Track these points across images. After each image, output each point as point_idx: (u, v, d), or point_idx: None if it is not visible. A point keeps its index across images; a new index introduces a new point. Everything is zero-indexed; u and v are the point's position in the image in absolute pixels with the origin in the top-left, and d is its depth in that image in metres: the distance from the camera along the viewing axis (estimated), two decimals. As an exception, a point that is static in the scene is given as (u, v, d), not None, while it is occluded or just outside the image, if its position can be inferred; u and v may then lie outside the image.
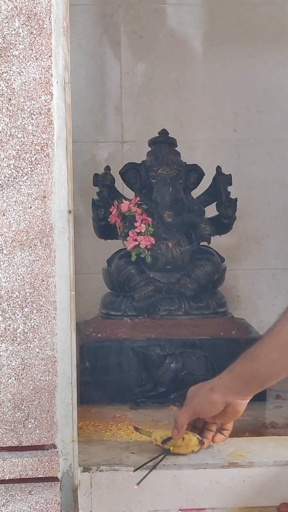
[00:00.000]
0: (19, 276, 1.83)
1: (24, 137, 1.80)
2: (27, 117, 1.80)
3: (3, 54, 1.78)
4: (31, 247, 1.82)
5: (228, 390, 1.82)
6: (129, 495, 1.90)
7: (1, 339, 1.82)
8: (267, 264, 3.08)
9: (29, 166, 1.81)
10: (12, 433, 1.84)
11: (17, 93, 1.79)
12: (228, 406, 1.86)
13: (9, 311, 1.83)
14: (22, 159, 1.81)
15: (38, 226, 1.82)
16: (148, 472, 1.87)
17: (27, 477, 1.83)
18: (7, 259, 1.82)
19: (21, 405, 1.84)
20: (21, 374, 1.84)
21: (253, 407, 2.43)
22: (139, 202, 2.61)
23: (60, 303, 1.84)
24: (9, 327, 1.83)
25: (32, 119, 1.80)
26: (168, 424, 2.29)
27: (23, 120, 1.80)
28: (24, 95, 1.79)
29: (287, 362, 1.74)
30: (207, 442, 1.94)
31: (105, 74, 3.03)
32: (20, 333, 1.83)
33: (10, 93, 1.79)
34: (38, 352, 1.84)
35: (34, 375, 1.84)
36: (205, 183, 2.71)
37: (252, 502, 1.92)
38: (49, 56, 1.79)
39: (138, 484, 1.85)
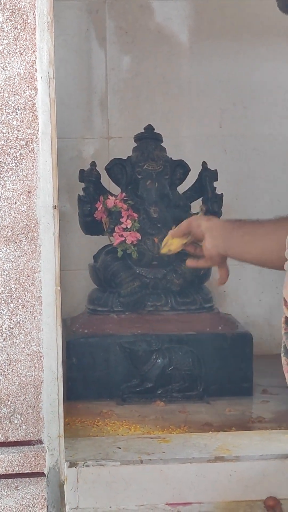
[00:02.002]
0: (4, 271, 1.82)
1: (8, 132, 1.80)
2: (12, 112, 1.80)
3: (-13, 49, 1.78)
4: (16, 242, 1.82)
5: (210, 230, 1.89)
6: (116, 490, 1.90)
7: (-13, 334, 1.83)
8: (254, 259, 3.08)
9: (14, 162, 1.81)
10: (-2, 429, 1.84)
11: (1, 88, 1.79)
12: (202, 241, 1.90)
13: (-6, 306, 1.82)
14: (7, 155, 1.81)
15: (23, 221, 1.82)
16: None
17: (14, 472, 1.83)
18: (-8, 255, 1.82)
19: (7, 401, 1.84)
20: (7, 370, 1.84)
21: (240, 402, 2.45)
22: (125, 198, 2.61)
23: (45, 298, 1.84)
24: (-6, 323, 1.83)
25: (17, 114, 1.80)
26: (155, 420, 2.30)
27: (8, 115, 1.80)
28: (8, 90, 1.79)
29: (249, 252, 1.84)
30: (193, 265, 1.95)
31: (91, 69, 3.03)
32: (5, 329, 1.83)
33: (-6, 88, 1.79)
34: (24, 347, 1.84)
35: (20, 370, 1.84)
36: (191, 179, 2.71)
37: (239, 496, 1.92)
38: (34, 51, 1.79)
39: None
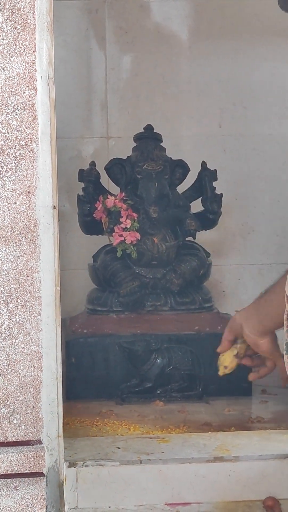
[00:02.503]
0: (3, 271, 1.82)
1: (8, 132, 1.80)
2: (11, 112, 1.80)
3: (-14, 49, 1.78)
4: (15, 242, 1.82)
5: (246, 317, 1.89)
6: (115, 490, 1.90)
7: (-14, 334, 1.83)
8: (253, 259, 3.08)
9: (13, 162, 1.81)
10: (-2, 429, 1.84)
11: (1, 88, 1.79)
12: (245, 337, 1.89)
13: (-6, 306, 1.82)
14: (6, 155, 1.81)
15: (22, 221, 1.82)
16: None
17: (13, 472, 1.83)
18: (-9, 255, 1.82)
19: (6, 401, 1.84)
20: (6, 370, 1.84)
21: (239, 402, 2.45)
22: (124, 198, 2.61)
23: (45, 298, 1.84)
24: (-6, 323, 1.83)
25: (16, 114, 1.80)
26: (154, 420, 2.30)
27: (7, 115, 1.80)
28: (8, 90, 1.79)
29: (278, 314, 1.78)
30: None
31: (91, 69, 3.03)
32: (5, 329, 1.83)
33: (-6, 88, 1.79)
34: (23, 347, 1.84)
35: (19, 370, 1.84)
36: (190, 179, 2.71)
37: (238, 496, 1.92)
38: (33, 51, 1.79)
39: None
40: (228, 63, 3.05)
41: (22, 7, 1.78)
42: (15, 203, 1.82)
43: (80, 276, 2.86)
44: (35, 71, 1.79)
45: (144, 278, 2.60)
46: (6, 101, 1.79)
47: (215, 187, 2.70)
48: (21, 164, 1.81)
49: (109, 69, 3.02)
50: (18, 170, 1.81)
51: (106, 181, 2.71)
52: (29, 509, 1.85)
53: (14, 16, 1.78)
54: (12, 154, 1.81)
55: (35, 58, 1.79)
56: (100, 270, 2.63)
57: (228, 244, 3.06)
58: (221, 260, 3.03)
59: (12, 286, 1.82)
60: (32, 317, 1.84)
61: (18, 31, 1.78)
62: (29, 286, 1.83)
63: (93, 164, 2.69)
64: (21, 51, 1.79)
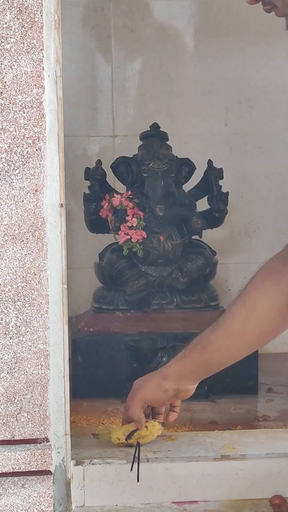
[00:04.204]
0: (11, 269, 1.82)
1: (15, 131, 1.80)
2: (19, 111, 1.80)
3: (-6, 48, 1.78)
4: (23, 241, 1.82)
5: (181, 377, 1.83)
6: (122, 488, 1.90)
7: (-6, 333, 1.83)
8: (259, 257, 3.08)
9: (21, 160, 1.81)
10: (5, 427, 1.84)
11: (9, 87, 1.79)
12: (180, 392, 1.86)
13: (1, 305, 1.83)
14: (14, 153, 1.81)
15: (30, 219, 1.82)
16: (135, 467, 1.87)
17: (20, 470, 1.84)
18: (-1, 253, 1.82)
19: (13, 399, 1.84)
20: (14, 368, 1.84)
21: (245, 401, 2.45)
22: (130, 196, 2.61)
23: (52, 296, 1.84)
24: (1, 321, 1.83)
25: (24, 113, 1.80)
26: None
27: (15, 113, 1.80)
28: (15, 88, 1.79)
29: (240, 348, 1.75)
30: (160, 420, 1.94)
31: (96, 68, 3.03)
32: (12, 327, 1.83)
33: (1, 87, 1.79)
34: (31, 346, 1.84)
35: (27, 369, 1.84)
36: (196, 177, 2.71)
37: (245, 495, 1.92)
38: (41, 49, 1.79)
39: (138, 481, 1.85)
40: (233, 62, 3.05)
41: (30, 5, 1.78)
42: (22, 201, 1.82)
43: (86, 274, 2.86)
44: (43, 69, 1.79)
45: (150, 276, 2.60)
46: (14, 100, 1.79)
47: (221, 186, 2.70)
48: (29, 162, 1.81)
49: (115, 68, 3.02)
50: (26, 169, 1.81)
51: (112, 179, 2.71)
52: (36, 507, 1.85)
53: (22, 14, 1.78)
54: (19, 152, 1.81)
55: (43, 56, 1.79)
56: (106, 268, 2.63)
57: (233, 243, 3.06)
58: (227, 259, 3.03)
59: (19, 284, 1.83)
60: (40, 315, 1.84)
61: (26, 29, 1.78)
62: (36, 284, 1.83)
63: (99, 162, 2.69)
64: (29, 49, 1.79)
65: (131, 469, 1.87)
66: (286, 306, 1.65)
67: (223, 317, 1.76)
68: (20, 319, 1.83)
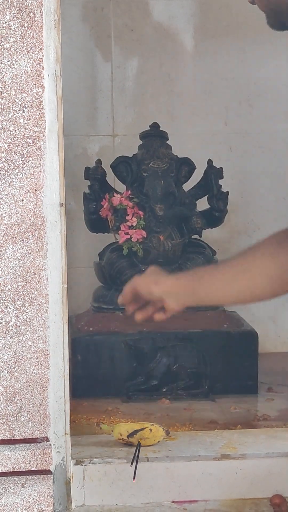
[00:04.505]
0: (11, 269, 1.82)
1: (15, 130, 1.80)
2: (19, 110, 1.80)
3: (-6, 47, 1.78)
4: (23, 240, 1.82)
5: (169, 291, 1.83)
6: (122, 488, 1.90)
7: (-7, 332, 1.83)
8: (259, 257, 3.07)
9: (20, 159, 1.81)
10: (5, 427, 1.84)
11: (9, 86, 1.79)
12: (163, 303, 1.83)
13: (1, 304, 1.82)
14: (14, 152, 1.81)
15: (30, 219, 1.82)
16: (134, 465, 1.87)
17: (20, 470, 1.84)
18: (-1, 252, 1.82)
19: (13, 398, 1.84)
20: (14, 368, 1.84)
21: (245, 400, 2.45)
22: (130, 196, 2.61)
23: (52, 296, 1.84)
24: (1, 321, 1.83)
25: (24, 112, 1.80)
26: (160, 417, 2.30)
27: (15, 113, 1.80)
28: (15, 88, 1.79)
29: (225, 296, 1.81)
30: (145, 316, 1.84)
31: (96, 67, 3.03)
32: (12, 326, 1.83)
33: (1, 86, 1.79)
34: (31, 345, 1.84)
35: (27, 368, 1.84)
36: (196, 176, 2.71)
37: (245, 494, 1.92)
38: (40, 49, 1.79)
39: (134, 478, 1.86)
40: (233, 61, 3.05)
41: (29, 5, 1.78)
42: (22, 200, 1.82)
43: (86, 274, 2.86)
44: (43, 68, 1.79)
45: (150, 276, 2.60)
46: (14, 99, 1.79)
47: (221, 185, 2.70)
48: (29, 161, 1.81)
49: (115, 67, 3.02)
50: (26, 168, 1.81)
51: (112, 179, 2.71)
52: (36, 506, 1.85)
53: (21, 14, 1.78)
54: (19, 151, 1.81)
55: (43, 56, 1.79)
56: (106, 268, 2.63)
57: (233, 242, 3.05)
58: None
59: (19, 283, 1.83)
60: (39, 315, 1.84)
61: (26, 29, 1.78)
62: (36, 283, 1.83)
63: (99, 162, 2.69)
64: (29, 48, 1.79)
65: (131, 465, 1.87)
66: (278, 277, 1.71)
67: (221, 266, 1.86)
68: (20, 318, 1.83)
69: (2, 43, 1.78)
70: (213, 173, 2.69)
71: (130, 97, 3.03)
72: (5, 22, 1.77)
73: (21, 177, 1.81)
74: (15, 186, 1.81)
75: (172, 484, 1.92)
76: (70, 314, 2.45)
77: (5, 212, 1.81)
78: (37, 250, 1.83)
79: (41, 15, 1.78)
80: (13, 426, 1.85)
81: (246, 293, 1.76)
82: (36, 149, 1.81)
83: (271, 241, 1.77)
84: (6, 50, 1.78)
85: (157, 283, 1.88)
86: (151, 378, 2.49)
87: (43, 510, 1.85)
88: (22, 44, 1.78)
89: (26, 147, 1.81)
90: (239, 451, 1.96)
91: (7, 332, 1.83)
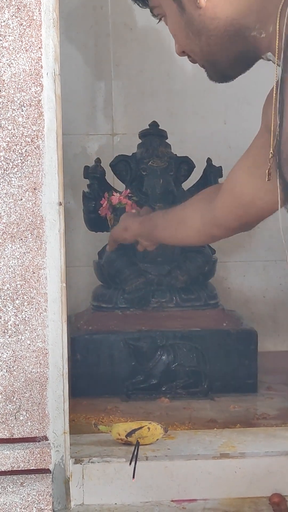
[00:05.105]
0: (10, 268, 1.82)
1: (14, 129, 1.80)
2: (17, 109, 1.80)
3: (-8, 46, 1.77)
4: (22, 239, 1.82)
5: (137, 235, 2.44)
6: (121, 487, 1.90)
7: (-8, 331, 1.83)
8: (258, 256, 3.08)
9: (19, 158, 1.81)
10: (4, 425, 1.84)
11: (7, 85, 1.79)
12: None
13: (0, 303, 1.82)
14: (12, 151, 1.81)
15: (28, 218, 1.82)
16: (133, 464, 1.87)
17: (19, 469, 1.84)
18: (-3, 251, 1.82)
19: (12, 397, 1.84)
20: (12, 366, 1.84)
21: (245, 399, 2.45)
22: (129, 195, 2.61)
23: (51, 295, 1.84)
24: (0, 319, 1.83)
25: (22, 111, 1.80)
26: (159, 416, 2.30)
27: (13, 111, 1.80)
28: (14, 86, 1.79)
29: (172, 239, 2.29)
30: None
31: (95, 66, 3.02)
32: (11, 325, 1.83)
33: (0, 85, 1.79)
34: (29, 344, 1.84)
35: (26, 367, 1.84)
36: (195, 175, 2.71)
37: (244, 493, 1.92)
38: (39, 47, 1.79)
39: (134, 478, 1.86)
40: (233, 60, 3.04)
41: (28, 3, 1.78)
42: (21, 199, 1.82)
43: (85, 273, 2.86)
44: (41, 67, 1.79)
45: (149, 274, 2.60)
46: (12, 98, 1.79)
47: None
48: (27, 160, 1.81)
49: (114, 66, 3.02)
50: (24, 167, 1.81)
51: (111, 178, 2.71)
52: (35, 506, 1.85)
53: (20, 12, 1.78)
54: (18, 150, 1.81)
55: (41, 54, 1.79)
56: (105, 267, 2.63)
57: (233, 241, 3.05)
58: (226, 257, 3.03)
59: (18, 282, 1.83)
60: (38, 314, 1.84)
61: (24, 27, 1.78)
62: (35, 282, 1.83)
63: (98, 161, 2.69)
64: (27, 47, 1.79)
65: (130, 464, 1.87)
66: (203, 231, 2.13)
67: (170, 215, 2.28)
68: (18, 317, 1.83)
69: (1, 41, 1.78)
70: (212, 172, 2.69)
71: (129, 96, 3.03)
72: (4, 21, 1.77)
73: (19, 176, 1.81)
74: (14, 185, 1.81)
75: (171, 483, 1.92)
76: (70, 313, 2.46)
77: (4, 211, 1.81)
78: (36, 249, 1.83)
79: (39, 13, 1.78)
80: (12, 425, 1.85)
81: (184, 239, 2.22)
82: (35, 148, 1.81)
83: (201, 198, 2.16)
84: (5, 49, 1.78)
85: (126, 229, 2.47)
86: (151, 377, 2.49)
87: (42, 509, 1.85)
88: (20, 42, 1.78)
89: (24, 146, 1.81)
90: (238, 450, 1.96)
91: (5, 331, 1.83)
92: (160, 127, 2.70)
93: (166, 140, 2.69)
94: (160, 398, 2.45)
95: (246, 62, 1.77)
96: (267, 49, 1.70)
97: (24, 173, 1.81)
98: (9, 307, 1.83)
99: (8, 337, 1.83)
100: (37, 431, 1.86)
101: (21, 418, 1.85)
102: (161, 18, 1.84)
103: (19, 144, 1.80)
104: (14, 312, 1.83)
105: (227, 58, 1.73)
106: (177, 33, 1.77)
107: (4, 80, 1.78)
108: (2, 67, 1.78)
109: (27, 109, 1.80)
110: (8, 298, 1.82)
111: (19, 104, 1.79)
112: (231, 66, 1.76)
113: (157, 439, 1.98)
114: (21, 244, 1.82)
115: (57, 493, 1.88)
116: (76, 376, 2.46)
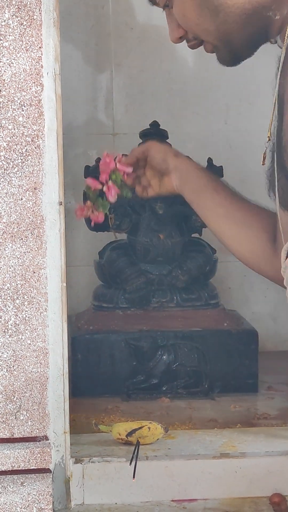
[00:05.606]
0: (10, 268, 1.82)
1: (14, 129, 1.80)
2: (18, 109, 1.80)
3: (-7, 45, 1.77)
4: (22, 239, 1.82)
5: (179, 170, 2.00)
6: (122, 486, 1.90)
7: (-7, 331, 1.83)
8: (259, 255, 3.07)
9: (19, 158, 1.81)
10: (4, 425, 1.84)
11: (8, 84, 1.79)
12: (166, 178, 2.00)
13: (0, 303, 1.82)
14: (13, 151, 1.81)
15: (29, 217, 1.82)
16: (133, 464, 1.87)
17: (19, 468, 1.84)
18: (-2, 251, 1.82)
19: (12, 397, 1.84)
20: (13, 366, 1.84)
21: (245, 399, 2.45)
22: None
23: (51, 294, 1.84)
24: (0, 319, 1.83)
25: (23, 111, 1.80)
26: (160, 416, 2.30)
27: (14, 111, 1.80)
28: (14, 86, 1.79)
29: (221, 234, 2.05)
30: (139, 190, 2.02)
31: (96, 66, 3.02)
32: (11, 325, 1.83)
33: (0, 85, 1.79)
34: (30, 344, 1.84)
35: (26, 367, 1.84)
36: (196, 175, 2.71)
37: (244, 493, 1.92)
38: (40, 47, 1.79)
39: (134, 477, 1.86)
40: (233, 59, 3.04)
41: (28, 3, 1.78)
42: (21, 199, 1.82)
43: (86, 272, 2.86)
44: (42, 67, 1.79)
45: (150, 274, 2.60)
46: (13, 97, 1.79)
47: (221, 184, 2.69)
48: (28, 160, 1.81)
49: (115, 65, 3.02)
50: (25, 167, 1.81)
51: (111, 177, 2.71)
52: (35, 505, 1.85)
53: (20, 12, 1.78)
54: (18, 150, 1.81)
55: (42, 54, 1.79)
56: (106, 266, 2.63)
57: (234, 241, 3.05)
58: (227, 257, 3.02)
59: (18, 282, 1.83)
60: (39, 313, 1.84)
61: (25, 27, 1.78)
62: (35, 282, 1.83)
63: (98, 160, 2.68)
64: (28, 47, 1.79)
65: (130, 463, 1.87)
66: (264, 260, 1.97)
67: (217, 200, 2.03)
68: (19, 317, 1.83)
69: (1, 41, 1.78)
70: (213, 171, 2.69)
71: (130, 96, 3.03)
72: (4, 21, 1.77)
73: (20, 176, 1.81)
74: (14, 185, 1.81)
75: (172, 482, 1.92)
76: (70, 313, 2.46)
77: (4, 211, 1.81)
78: (36, 249, 1.83)
79: (40, 13, 1.78)
80: (12, 425, 1.85)
81: (233, 249, 2.05)
82: (35, 148, 1.81)
83: (260, 227, 1.95)
84: (5, 49, 1.78)
85: (177, 155, 2.01)
86: (151, 377, 2.49)
87: (43, 509, 1.85)
88: (21, 42, 1.78)
89: (25, 146, 1.81)
90: (239, 450, 1.96)
91: (6, 330, 1.83)
92: (161, 127, 2.69)
93: (167, 140, 2.69)
94: (160, 398, 2.45)
95: (256, 44, 1.75)
96: (277, 32, 1.68)
97: (24, 172, 1.81)
98: (9, 307, 1.83)
99: (8, 336, 1.83)
100: (37, 430, 1.86)
101: (22, 417, 1.85)
102: (164, 5, 1.79)
103: (20, 143, 1.81)
104: (15, 312, 1.83)
105: (241, 38, 1.71)
106: (188, 13, 1.72)
107: (4, 80, 1.79)
108: (3, 66, 1.78)
109: (27, 109, 1.80)
110: (9, 298, 1.83)
111: (19, 103, 1.79)
112: (244, 46, 1.74)
113: (157, 439, 1.98)
114: (21, 244, 1.82)
115: (57, 493, 1.88)
116: (76, 376, 2.45)
